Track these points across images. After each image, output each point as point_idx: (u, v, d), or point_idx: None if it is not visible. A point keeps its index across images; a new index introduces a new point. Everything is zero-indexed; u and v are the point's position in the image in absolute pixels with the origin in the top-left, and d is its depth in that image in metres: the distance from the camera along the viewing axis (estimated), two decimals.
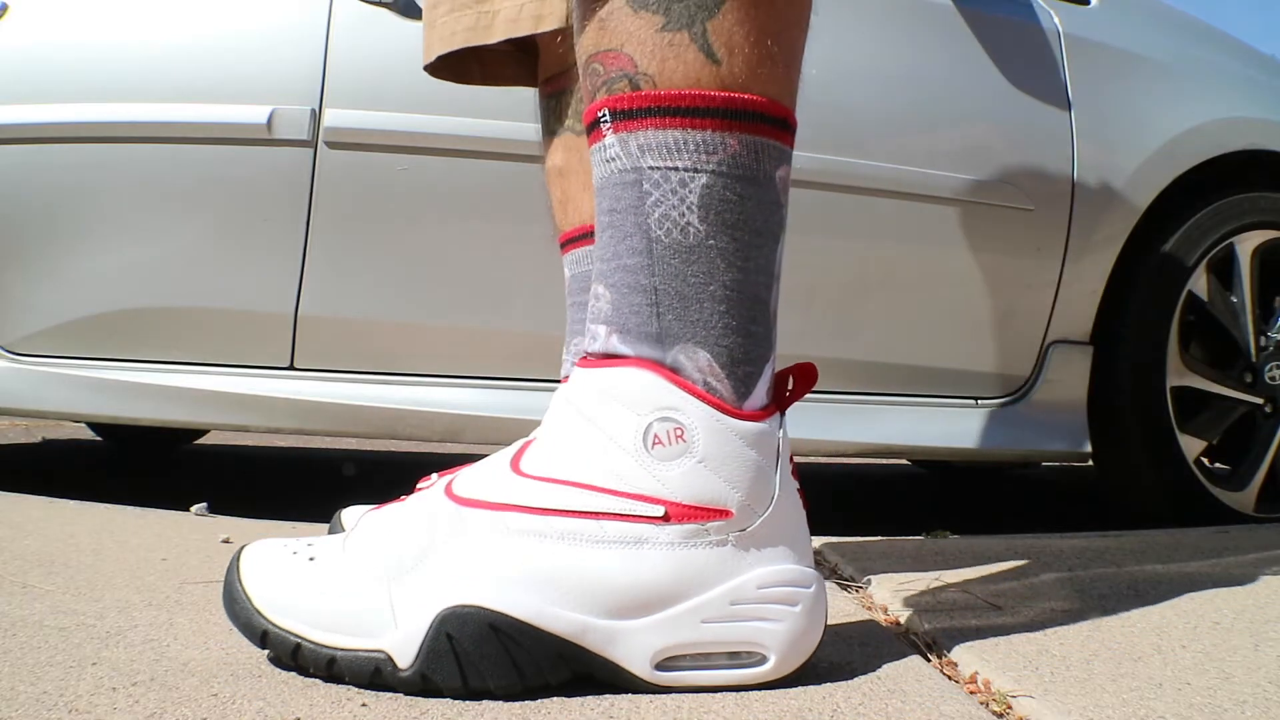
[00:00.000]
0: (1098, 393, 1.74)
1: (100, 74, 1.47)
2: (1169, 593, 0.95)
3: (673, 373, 0.63)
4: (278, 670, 0.65)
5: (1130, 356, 1.74)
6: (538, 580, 0.62)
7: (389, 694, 0.61)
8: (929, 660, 0.76)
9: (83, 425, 2.89)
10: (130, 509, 1.31)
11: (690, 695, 0.63)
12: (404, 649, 0.61)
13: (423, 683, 0.61)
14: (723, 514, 0.63)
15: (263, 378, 1.49)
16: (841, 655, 0.73)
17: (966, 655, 0.75)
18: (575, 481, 0.64)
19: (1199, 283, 1.77)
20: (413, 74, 1.45)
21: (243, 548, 0.68)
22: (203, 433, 2.76)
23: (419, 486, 0.89)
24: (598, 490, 0.63)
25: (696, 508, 0.63)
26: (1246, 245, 1.80)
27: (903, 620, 0.87)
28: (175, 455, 2.81)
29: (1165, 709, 0.63)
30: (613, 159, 0.64)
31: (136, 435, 2.73)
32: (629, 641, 0.62)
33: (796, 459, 0.68)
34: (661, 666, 0.63)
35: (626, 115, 0.63)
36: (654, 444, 0.63)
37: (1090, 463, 1.82)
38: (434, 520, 0.65)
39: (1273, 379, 1.79)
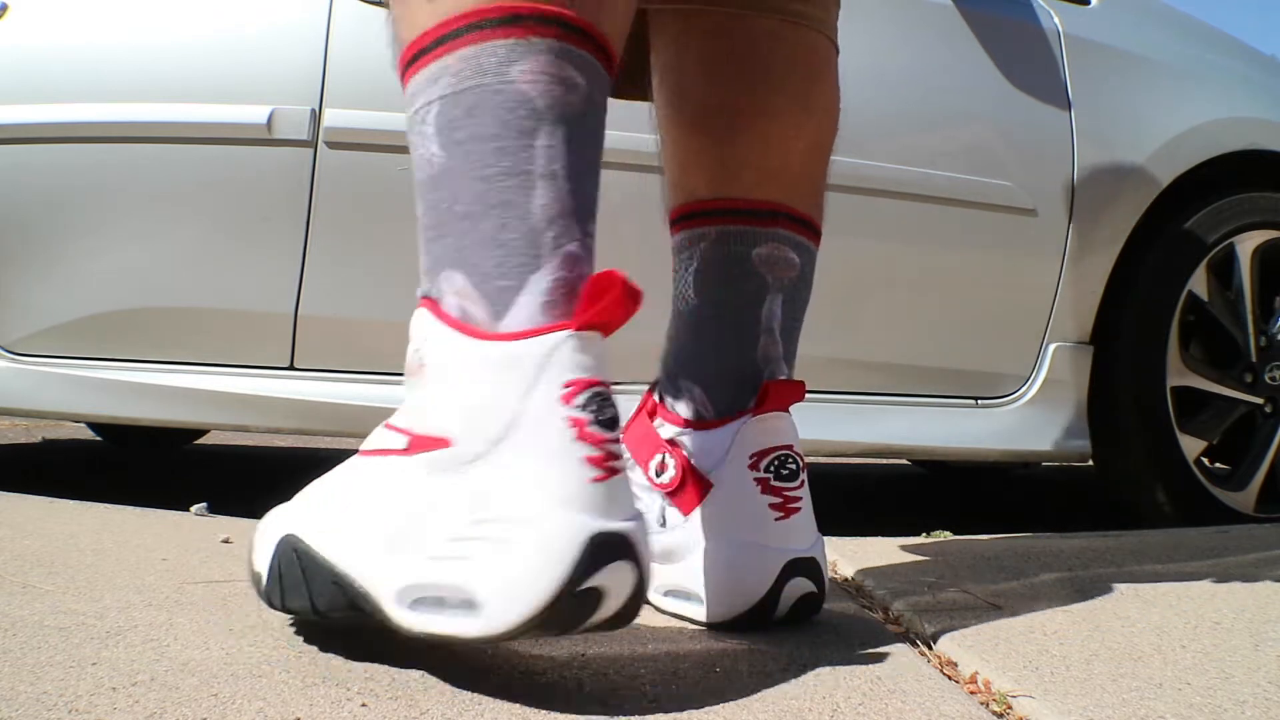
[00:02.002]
0: (1098, 393, 1.74)
1: (100, 74, 1.47)
2: (1169, 593, 0.95)
3: (433, 302, 0.64)
4: (278, 670, 0.65)
5: (1130, 357, 1.74)
6: (327, 511, 0.66)
7: (389, 694, 0.61)
8: (929, 660, 0.76)
9: (83, 425, 2.89)
10: (130, 509, 1.31)
11: (693, 699, 0.63)
12: (258, 573, 0.70)
13: (268, 601, 0.69)
14: (442, 443, 0.60)
15: (263, 378, 1.49)
16: (841, 655, 0.73)
17: (966, 655, 0.75)
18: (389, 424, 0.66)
19: (1199, 283, 1.77)
20: None
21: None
22: (203, 433, 2.76)
23: None
24: (389, 429, 0.66)
25: (427, 438, 0.61)
26: (1247, 245, 1.80)
27: (903, 620, 0.87)
28: (175, 455, 2.81)
29: (1165, 709, 0.63)
30: (408, 106, 0.67)
31: (136, 435, 2.73)
32: (381, 578, 0.61)
33: None
34: (413, 607, 0.60)
35: (402, 79, 0.67)
36: (412, 376, 0.64)
37: (1090, 463, 1.82)
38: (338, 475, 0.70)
39: (1273, 379, 1.80)
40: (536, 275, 0.60)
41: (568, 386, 0.58)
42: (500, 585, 0.56)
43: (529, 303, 0.60)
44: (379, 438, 0.66)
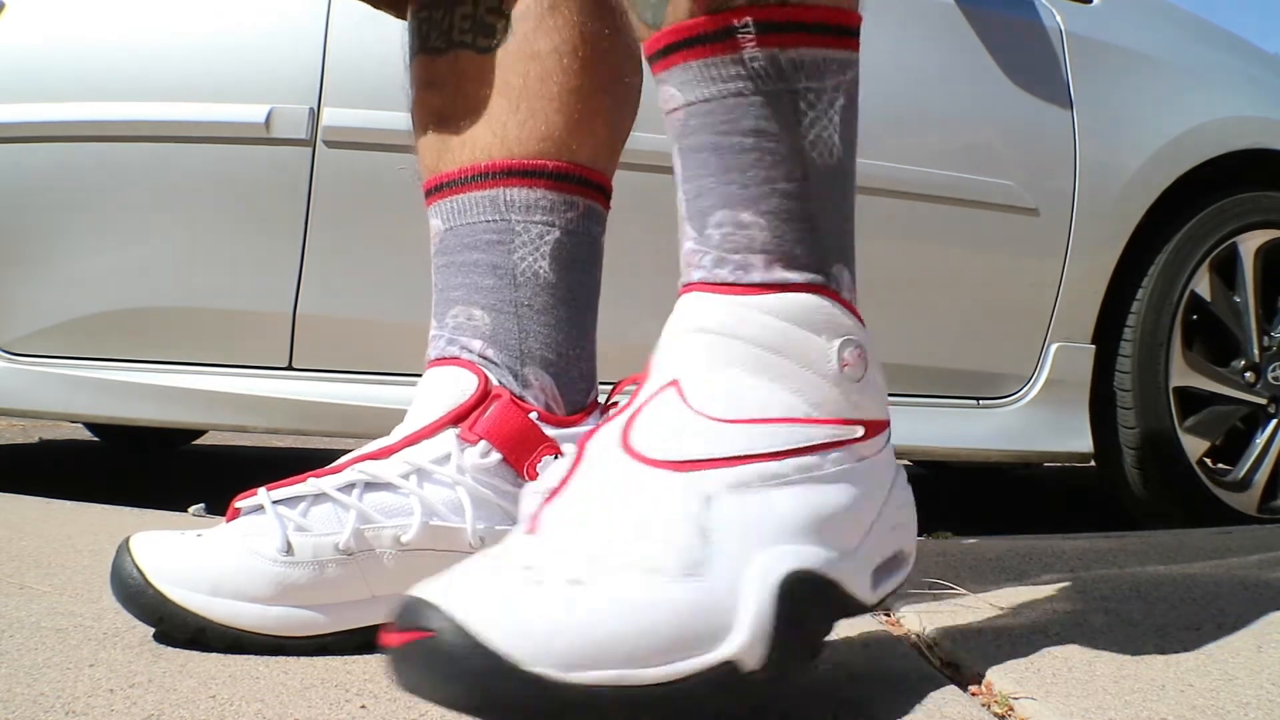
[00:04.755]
0: (1100, 393, 1.74)
1: (98, 73, 1.47)
2: (1171, 594, 0.94)
3: (839, 296, 0.64)
4: (277, 671, 0.64)
5: (1132, 357, 1.74)
6: (802, 529, 0.57)
7: (389, 694, 0.61)
8: (930, 662, 0.75)
9: (81, 425, 2.88)
10: (128, 509, 1.30)
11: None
12: (751, 646, 0.51)
13: (780, 669, 0.51)
14: (886, 424, 0.65)
15: (261, 378, 1.49)
16: (842, 656, 0.73)
17: (968, 656, 0.74)
18: (783, 418, 0.59)
19: (1202, 282, 1.77)
20: None
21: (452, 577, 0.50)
22: (201, 433, 2.76)
23: (236, 505, 0.75)
24: (810, 422, 0.60)
25: (877, 422, 0.63)
26: (1249, 245, 1.80)
27: (903, 621, 0.87)
28: (173, 455, 2.81)
29: (1168, 710, 0.63)
30: (757, 75, 0.60)
31: (135, 435, 2.73)
32: (858, 568, 0.60)
33: None
34: (878, 579, 0.63)
35: (778, 29, 0.60)
36: (843, 366, 0.62)
37: (1092, 463, 1.82)
38: (676, 504, 0.55)
39: (1276, 379, 1.79)
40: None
41: None
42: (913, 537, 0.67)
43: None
44: (780, 436, 0.59)
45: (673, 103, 0.62)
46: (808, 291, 0.63)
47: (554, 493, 0.56)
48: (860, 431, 0.62)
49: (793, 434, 0.59)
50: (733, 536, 0.54)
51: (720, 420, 0.58)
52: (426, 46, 0.83)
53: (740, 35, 0.59)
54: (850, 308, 0.64)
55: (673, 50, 0.61)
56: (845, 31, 0.63)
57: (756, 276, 0.62)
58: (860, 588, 0.60)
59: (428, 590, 0.47)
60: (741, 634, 0.50)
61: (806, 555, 0.56)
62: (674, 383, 0.60)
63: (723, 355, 0.61)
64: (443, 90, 0.83)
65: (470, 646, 0.44)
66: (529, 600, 0.47)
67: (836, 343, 0.62)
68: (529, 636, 0.45)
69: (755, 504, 0.56)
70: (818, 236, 0.64)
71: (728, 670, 0.49)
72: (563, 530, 0.53)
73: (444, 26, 0.82)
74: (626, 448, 0.57)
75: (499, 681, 0.43)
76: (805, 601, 0.54)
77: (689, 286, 0.63)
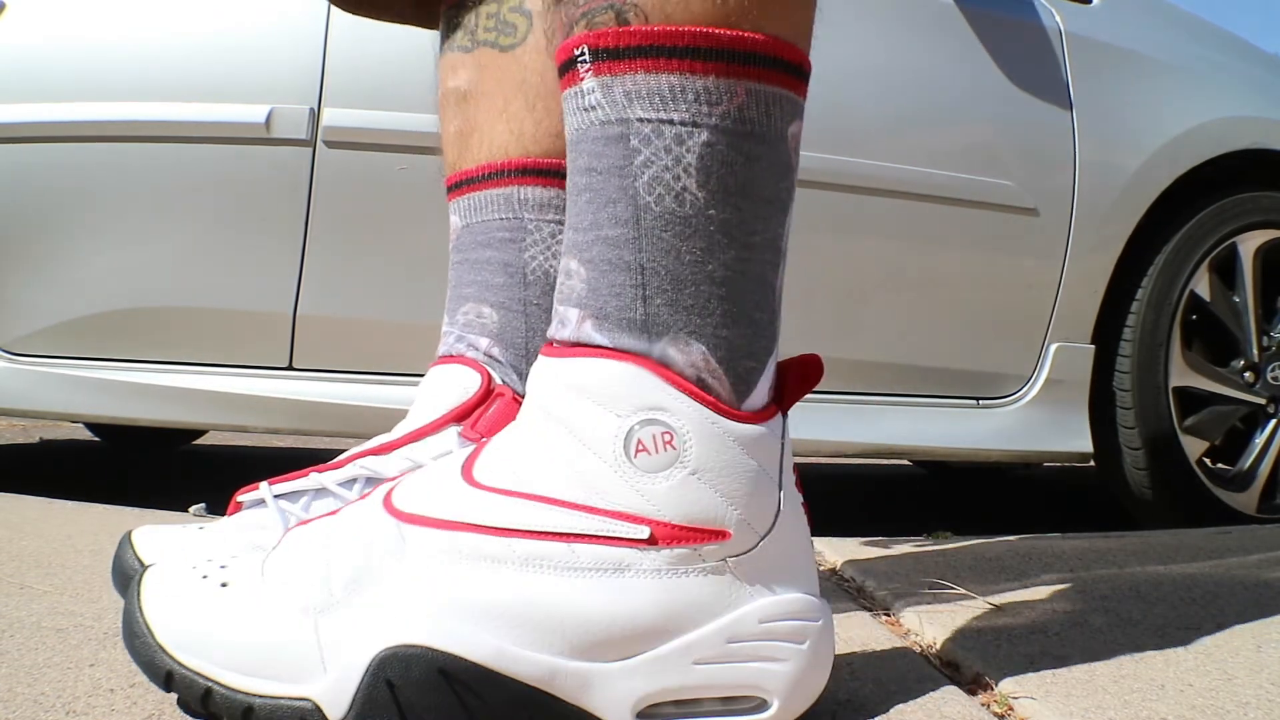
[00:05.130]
0: (1099, 393, 1.74)
1: (98, 73, 1.47)
2: (1170, 594, 0.94)
3: (661, 366, 0.53)
4: None
5: (1132, 357, 1.74)
6: (496, 615, 0.52)
7: None
8: (930, 662, 0.75)
9: (81, 425, 2.88)
10: (129, 509, 1.30)
11: None
12: (334, 698, 0.51)
13: None
14: (719, 535, 0.54)
15: (261, 378, 1.49)
16: (842, 657, 0.73)
17: (967, 656, 0.74)
18: (541, 495, 0.54)
19: (1201, 282, 1.77)
20: (412, 73, 1.44)
21: (145, 570, 0.58)
22: (202, 433, 2.76)
23: (238, 498, 0.77)
24: (568, 506, 0.53)
25: (688, 528, 0.53)
26: (1249, 245, 1.80)
27: (903, 621, 0.87)
28: (173, 455, 2.81)
29: (1168, 710, 0.63)
30: (592, 107, 0.53)
31: (135, 435, 2.73)
32: (607, 686, 0.53)
33: (797, 460, 0.61)
34: (645, 714, 0.54)
35: (611, 55, 0.52)
36: (637, 451, 0.53)
37: (1091, 463, 1.82)
38: (370, 539, 0.54)
39: (1275, 379, 1.79)
40: (771, 358, 0.57)
41: (796, 470, 0.58)
42: (794, 681, 0.55)
43: (764, 385, 0.56)
44: (521, 514, 0.53)
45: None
46: (612, 358, 0.54)
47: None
48: (642, 533, 0.53)
49: (533, 514, 0.53)
50: (382, 591, 0.53)
51: (477, 485, 0.55)
52: (454, 44, 0.85)
53: (580, 65, 0.54)
54: (680, 384, 0.53)
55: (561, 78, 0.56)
56: (703, 54, 0.51)
57: (566, 333, 0.56)
58: (604, 703, 0.53)
59: (152, 573, 0.57)
60: (325, 680, 0.52)
61: (446, 638, 0.51)
62: (482, 445, 0.58)
63: (523, 419, 0.57)
64: (467, 88, 0.84)
65: (139, 624, 0.55)
66: (189, 594, 0.55)
67: (630, 422, 0.53)
68: (171, 620, 0.54)
69: (436, 570, 0.53)
70: (645, 295, 0.53)
71: (309, 708, 0.52)
72: (284, 548, 0.57)
73: (470, 25, 0.84)
74: (387, 501, 0.56)
75: (143, 647, 0.54)
76: (406, 681, 0.51)
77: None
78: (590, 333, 0.54)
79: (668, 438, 0.53)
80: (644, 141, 0.52)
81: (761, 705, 0.55)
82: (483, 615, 0.52)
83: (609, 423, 0.53)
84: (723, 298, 0.54)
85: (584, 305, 0.55)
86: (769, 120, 0.53)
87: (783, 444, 0.57)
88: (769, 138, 0.54)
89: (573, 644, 0.53)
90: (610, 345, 0.54)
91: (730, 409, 0.54)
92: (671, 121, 0.52)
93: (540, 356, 0.57)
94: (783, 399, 0.58)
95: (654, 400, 0.53)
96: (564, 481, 0.54)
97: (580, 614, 0.52)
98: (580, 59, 0.53)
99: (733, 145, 0.53)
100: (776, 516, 0.55)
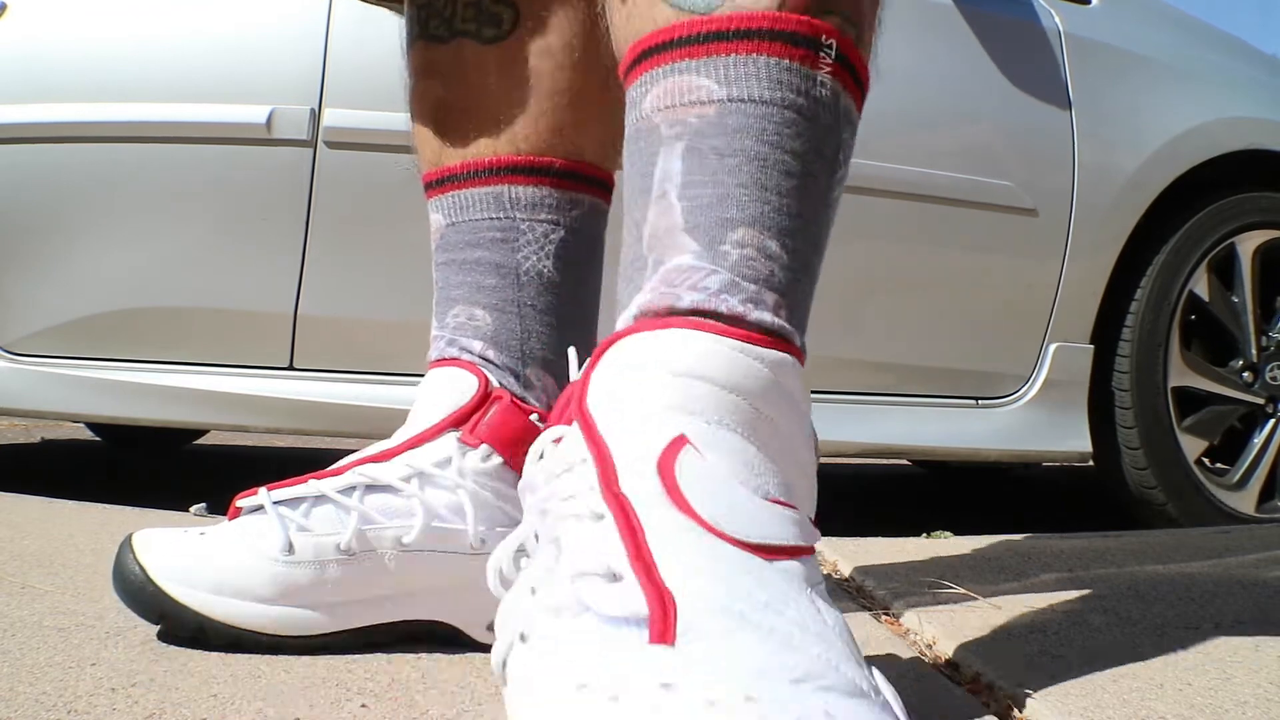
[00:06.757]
0: (1098, 393, 1.74)
1: (99, 74, 1.47)
2: (1169, 593, 0.95)
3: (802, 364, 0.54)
4: (278, 670, 0.65)
5: (1131, 357, 1.74)
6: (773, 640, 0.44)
7: (389, 694, 0.61)
8: (930, 661, 0.76)
9: (82, 425, 2.89)
10: (130, 509, 1.30)
11: None
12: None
13: None
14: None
15: (262, 378, 1.49)
16: None
17: (967, 656, 0.74)
18: (787, 502, 0.48)
19: (1200, 282, 1.77)
20: None
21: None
22: (203, 433, 2.76)
23: (237, 504, 0.74)
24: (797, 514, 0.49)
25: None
26: (1248, 245, 1.80)
27: (903, 621, 0.87)
28: (175, 455, 2.81)
29: (1166, 709, 0.63)
30: (821, 101, 0.53)
31: (136, 435, 2.73)
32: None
33: None
34: None
35: (847, 64, 0.54)
36: (749, 427, 0.52)
37: (1090, 463, 1.82)
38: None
39: (1274, 379, 1.80)
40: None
41: None
42: None
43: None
44: (760, 523, 0.45)
45: (700, 95, 0.52)
46: (794, 355, 0.51)
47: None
48: (813, 536, 0.48)
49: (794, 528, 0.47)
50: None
51: (769, 500, 0.47)
52: (427, 33, 0.80)
53: (822, 54, 0.52)
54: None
55: (736, 37, 0.52)
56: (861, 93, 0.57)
57: (766, 318, 0.51)
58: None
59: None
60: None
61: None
62: (683, 438, 0.47)
63: (730, 414, 0.48)
64: (445, 80, 0.80)
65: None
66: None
67: (808, 425, 0.51)
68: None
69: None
70: (807, 295, 0.54)
71: None
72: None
73: (446, 14, 0.79)
74: (686, 509, 0.45)
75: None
76: None
77: (674, 314, 0.51)
78: (788, 326, 0.52)
79: (756, 412, 0.50)
80: (845, 154, 0.57)
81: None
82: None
83: (808, 424, 0.52)
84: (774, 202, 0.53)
85: (781, 292, 0.52)
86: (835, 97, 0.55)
87: None
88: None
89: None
90: (798, 345, 0.53)
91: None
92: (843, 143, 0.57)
93: (717, 340, 0.49)
94: None
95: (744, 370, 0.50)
96: (794, 485, 0.50)
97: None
98: (826, 48, 0.53)
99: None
100: None
